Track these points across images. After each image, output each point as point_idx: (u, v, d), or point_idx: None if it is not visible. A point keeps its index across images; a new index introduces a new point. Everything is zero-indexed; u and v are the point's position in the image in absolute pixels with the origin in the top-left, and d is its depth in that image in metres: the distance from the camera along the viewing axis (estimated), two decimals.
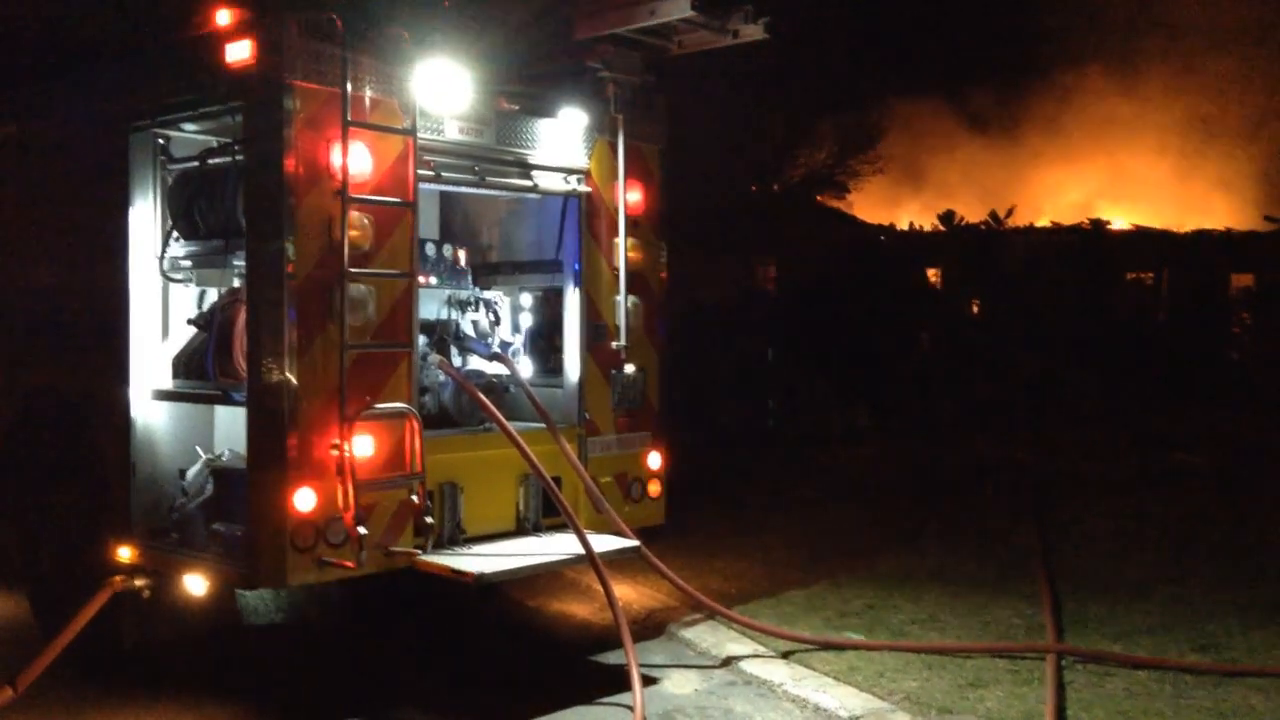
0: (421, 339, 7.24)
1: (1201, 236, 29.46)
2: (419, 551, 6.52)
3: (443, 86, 6.51)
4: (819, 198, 28.60)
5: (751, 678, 7.10)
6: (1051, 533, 10.88)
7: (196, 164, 6.84)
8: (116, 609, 6.85)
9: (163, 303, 7.03)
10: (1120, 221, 31.91)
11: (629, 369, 7.77)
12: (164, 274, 6.97)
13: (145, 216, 6.97)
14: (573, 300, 7.71)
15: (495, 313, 8.19)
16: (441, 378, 7.44)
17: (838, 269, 21.77)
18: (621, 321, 7.70)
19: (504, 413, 7.02)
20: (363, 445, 6.24)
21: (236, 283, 6.71)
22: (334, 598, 8.59)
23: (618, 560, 7.37)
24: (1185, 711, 6.44)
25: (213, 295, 6.99)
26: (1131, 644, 7.55)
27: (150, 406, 6.94)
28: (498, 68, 7.13)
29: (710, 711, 6.65)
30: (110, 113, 7.01)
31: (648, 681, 6.89)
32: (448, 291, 8.03)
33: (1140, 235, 29.74)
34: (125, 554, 6.83)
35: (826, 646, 7.50)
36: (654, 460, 7.95)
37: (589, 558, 6.75)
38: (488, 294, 8.24)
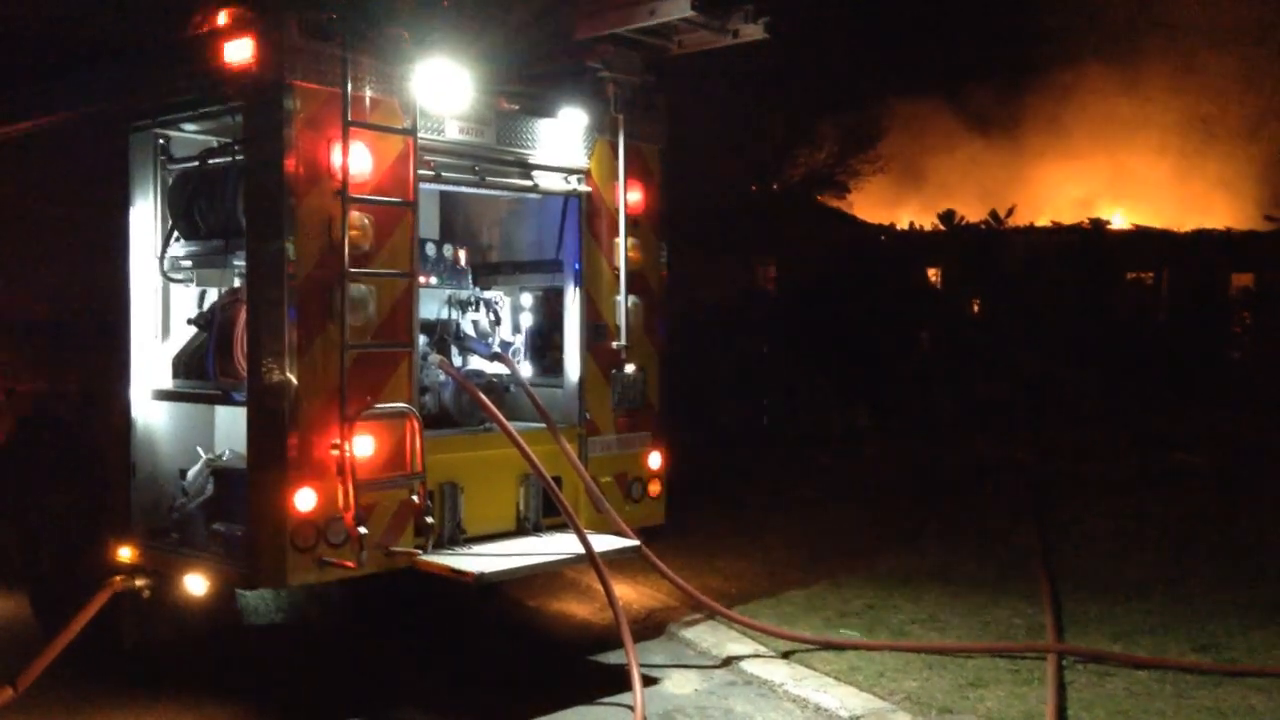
0: (422, 339, 7.24)
1: (1201, 236, 29.48)
2: (419, 551, 6.52)
3: (443, 86, 6.51)
4: (819, 197, 28.61)
5: (752, 678, 7.11)
6: (1051, 533, 10.87)
7: (197, 164, 6.84)
8: (116, 609, 6.86)
9: (163, 303, 7.04)
10: (1120, 221, 31.92)
11: (629, 369, 7.77)
12: (164, 274, 6.98)
13: (145, 216, 6.98)
14: (573, 300, 7.71)
15: (495, 312, 8.19)
16: (442, 377, 7.44)
17: (838, 269, 21.77)
18: (622, 321, 7.70)
19: (504, 412, 7.02)
20: (363, 445, 6.24)
21: (237, 283, 6.72)
22: (334, 598, 8.59)
23: (618, 560, 7.37)
24: (1186, 711, 6.44)
25: (213, 295, 6.99)
26: (1132, 644, 7.55)
27: (150, 406, 6.95)
28: (498, 68, 7.13)
29: (710, 711, 6.65)
30: (110, 113, 7.01)
31: (648, 681, 6.89)
32: (448, 291, 8.03)
33: (1140, 235, 29.76)
34: (125, 554, 6.83)
35: (827, 646, 7.50)
36: (654, 460, 7.95)
37: (589, 557, 6.75)
38: (488, 294, 8.24)
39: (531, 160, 7.37)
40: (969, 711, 6.45)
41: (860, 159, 27.93)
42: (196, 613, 6.99)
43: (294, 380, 6.04)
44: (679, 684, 7.08)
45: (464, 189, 7.55)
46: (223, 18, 6.42)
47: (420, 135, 6.57)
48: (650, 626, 8.11)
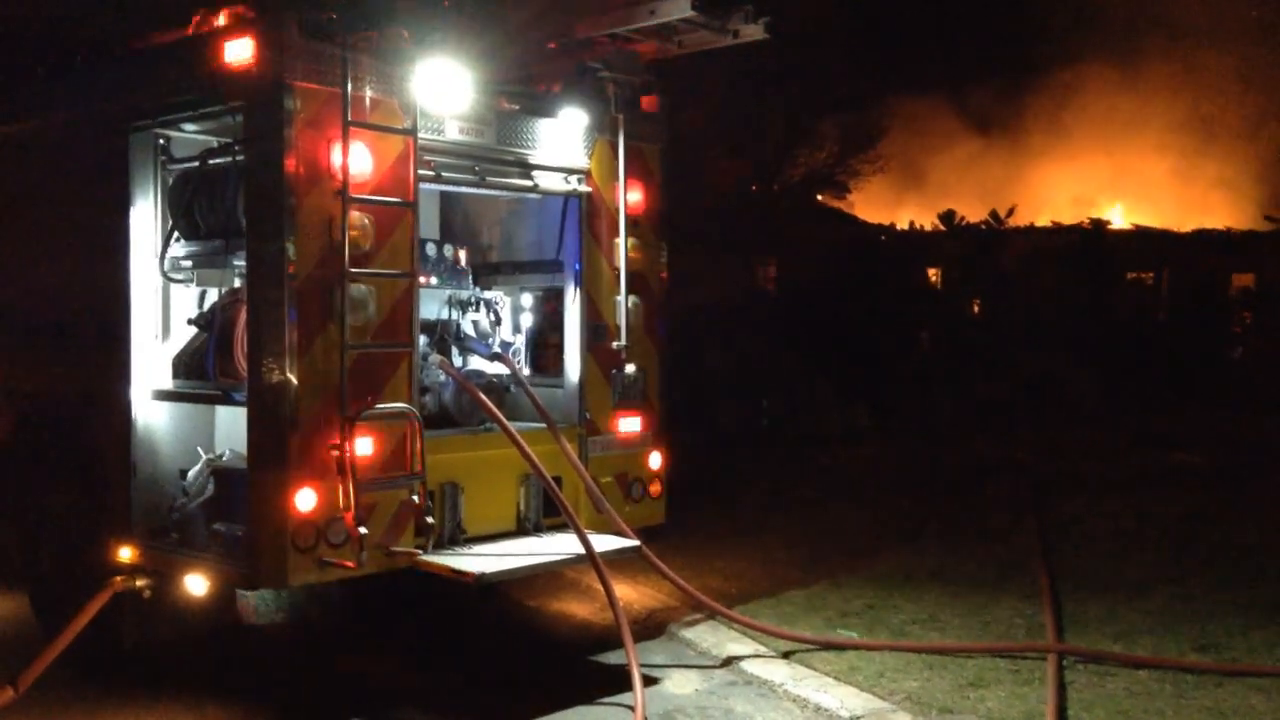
0: (422, 339, 7.24)
1: (1201, 236, 29.48)
2: (419, 551, 6.52)
3: (443, 86, 6.50)
4: (819, 197, 28.60)
5: (752, 678, 7.11)
6: (1051, 533, 10.87)
7: (197, 164, 6.84)
8: (117, 609, 6.85)
9: (163, 303, 7.04)
10: (1120, 221, 31.92)
11: (629, 369, 7.77)
12: (164, 274, 6.97)
13: (146, 216, 6.98)
14: (573, 300, 7.70)
15: (496, 313, 8.19)
16: (442, 378, 7.44)
17: (838, 269, 21.78)
18: (622, 321, 7.70)
19: (504, 412, 7.02)
20: (363, 445, 6.24)
21: (237, 283, 6.72)
22: (334, 598, 8.58)
23: (618, 560, 7.36)
24: (1186, 711, 6.44)
25: (213, 295, 6.99)
26: (1132, 644, 7.55)
27: (151, 406, 6.95)
28: (498, 67, 7.13)
29: (711, 711, 6.65)
30: (110, 113, 7.01)
31: (648, 681, 6.89)
32: (448, 291, 8.03)
33: (1140, 235, 29.76)
34: (126, 554, 6.83)
35: (827, 646, 7.50)
36: (654, 460, 7.95)
37: (589, 557, 6.75)
38: (488, 294, 8.24)
39: (531, 160, 7.36)
40: (969, 711, 6.45)
41: (860, 159, 27.91)
42: (197, 613, 6.98)
43: (294, 380, 6.04)
44: (679, 684, 7.08)
45: (464, 189, 7.55)
46: (223, 18, 6.42)
47: (420, 135, 6.56)
48: (651, 626, 8.11)
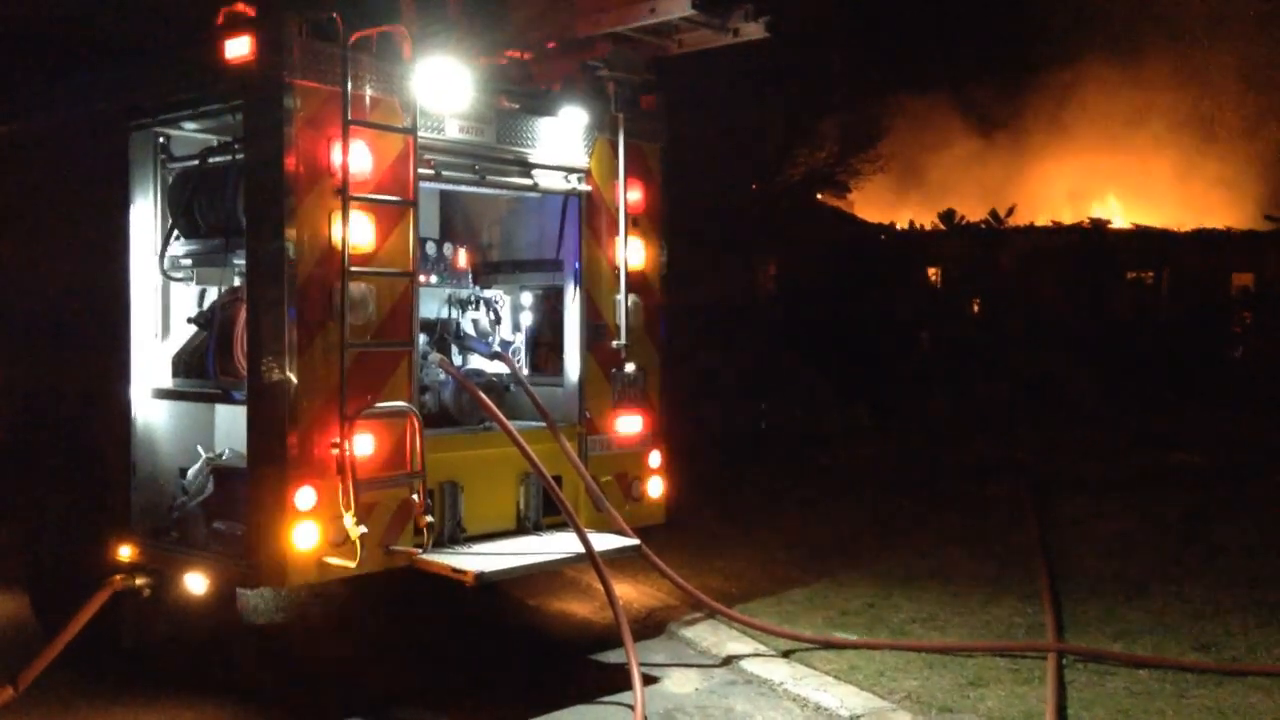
0: (422, 338, 7.24)
1: (1201, 236, 29.48)
2: (419, 550, 6.51)
3: (443, 85, 6.50)
4: (819, 196, 28.58)
5: (752, 677, 7.10)
6: (1051, 532, 10.87)
7: (197, 162, 6.85)
8: (117, 608, 6.85)
9: (163, 301, 7.04)
10: (1120, 221, 31.93)
11: (629, 368, 7.77)
12: (164, 272, 6.98)
13: (145, 215, 6.98)
14: (573, 299, 7.70)
15: (495, 311, 8.19)
16: (442, 376, 7.44)
17: (838, 269, 21.77)
18: (622, 320, 7.70)
19: (504, 411, 7.01)
20: (363, 444, 6.24)
21: (237, 281, 6.72)
22: (334, 597, 8.59)
23: (618, 559, 7.37)
24: (1186, 710, 6.44)
25: (213, 294, 6.99)
26: (1132, 643, 7.55)
27: (150, 405, 6.94)
28: (498, 66, 7.12)
29: (711, 710, 6.64)
30: (110, 111, 7.01)
31: (648, 680, 6.89)
32: (448, 290, 8.04)
33: (1140, 235, 29.76)
34: (126, 553, 6.83)
35: (827, 645, 7.50)
36: (654, 459, 7.95)
37: (589, 556, 6.75)
38: (488, 293, 8.24)
39: (531, 159, 7.36)
40: (969, 710, 6.45)
41: (860, 158, 27.90)
42: (196, 612, 6.98)
43: (294, 379, 6.04)
44: (679, 683, 7.07)
45: (464, 188, 7.55)
46: (223, 16, 6.42)
47: (420, 134, 6.56)
48: (651, 625, 8.11)
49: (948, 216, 26.75)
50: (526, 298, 8.29)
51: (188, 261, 6.96)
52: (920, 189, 37.38)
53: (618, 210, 7.68)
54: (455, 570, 6.41)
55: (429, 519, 6.51)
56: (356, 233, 6.23)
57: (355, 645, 7.91)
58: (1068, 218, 30.14)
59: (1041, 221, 30.10)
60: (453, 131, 6.91)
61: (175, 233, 6.92)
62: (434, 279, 7.78)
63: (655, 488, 7.93)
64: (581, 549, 6.77)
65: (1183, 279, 27.60)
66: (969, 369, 20.69)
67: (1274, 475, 13.92)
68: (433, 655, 7.72)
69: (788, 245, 23.96)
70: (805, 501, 12.73)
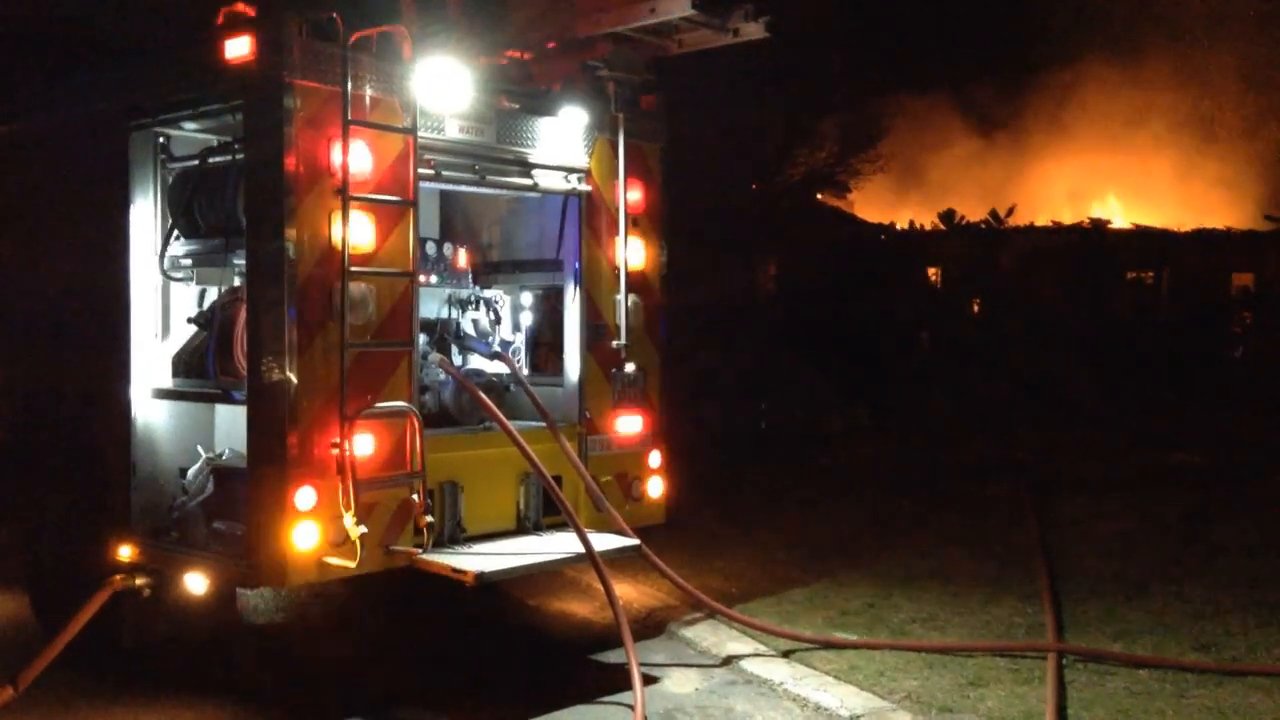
0: (422, 338, 7.24)
1: (1201, 236, 29.48)
2: (419, 550, 6.51)
3: (443, 85, 6.50)
4: (819, 196, 28.58)
5: (752, 677, 7.10)
6: (1051, 532, 10.87)
7: (197, 162, 6.85)
8: (117, 608, 6.85)
9: (163, 301, 7.04)
10: (1120, 221, 31.93)
11: (629, 368, 7.77)
12: (164, 272, 6.98)
13: (145, 215, 6.98)
14: (573, 299, 7.70)
15: (495, 311, 8.19)
16: (442, 376, 7.44)
17: (838, 268, 21.76)
18: (622, 320, 7.70)
19: (504, 411, 7.01)
20: (363, 444, 6.24)
21: (237, 281, 6.72)
22: (334, 597, 8.59)
23: (618, 559, 7.37)
24: (1186, 710, 6.44)
25: (213, 294, 6.99)
26: (1132, 643, 7.55)
27: (151, 405, 6.94)
28: (498, 66, 7.12)
29: (711, 710, 6.64)
30: (110, 111, 7.01)
31: (648, 680, 6.89)
32: (448, 290, 8.04)
33: (1140, 235, 29.76)
34: (126, 553, 6.83)
35: (827, 645, 7.50)
36: (654, 459, 7.95)
37: (589, 556, 6.75)
38: (488, 293, 8.24)
39: (531, 159, 7.36)
40: (969, 710, 6.45)
41: (860, 158, 27.90)
42: (196, 612, 6.98)
43: (294, 379, 6.04)
44: (679, 683, 7.07)
45: (464, 188, 7.55)
46: (223, 16, 6.42)
47: (420, 134, 6.56)
48: (651, 625, 8.11)
49: (948, 216, 26.74)
50: (526, 298, 8.29)
51: (188, 261, 6.96)
52: (920, 189, 37.38)
53: (618, 210, 7.68)
54: (455, 570, 6.41)
55: (429, 519, 6.51)
56: (356, 233, 6.23)
57: (355, 645, 7.91)
58: (1068, 218, 30.12)
59: (1041, 221, 30.09)
60: (453, 131, 6.91)
61: (175, 233, 6.93)
62: (434, 279, 7.78)
63: (655, 488, 7.93)
64: (581, 549, 6.76)
65: (1183, 279, 27.60)
66: (969, 369, 20.68)
67: (1274, 475, 13.92)
68: (433, 655, 7.72)
69: (788, 245, 23.96)
70: (805, 501, 12.73)
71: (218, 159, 6.74)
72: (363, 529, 6.15)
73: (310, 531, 6.06)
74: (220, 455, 6.86)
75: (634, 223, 7.77)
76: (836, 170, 27.21)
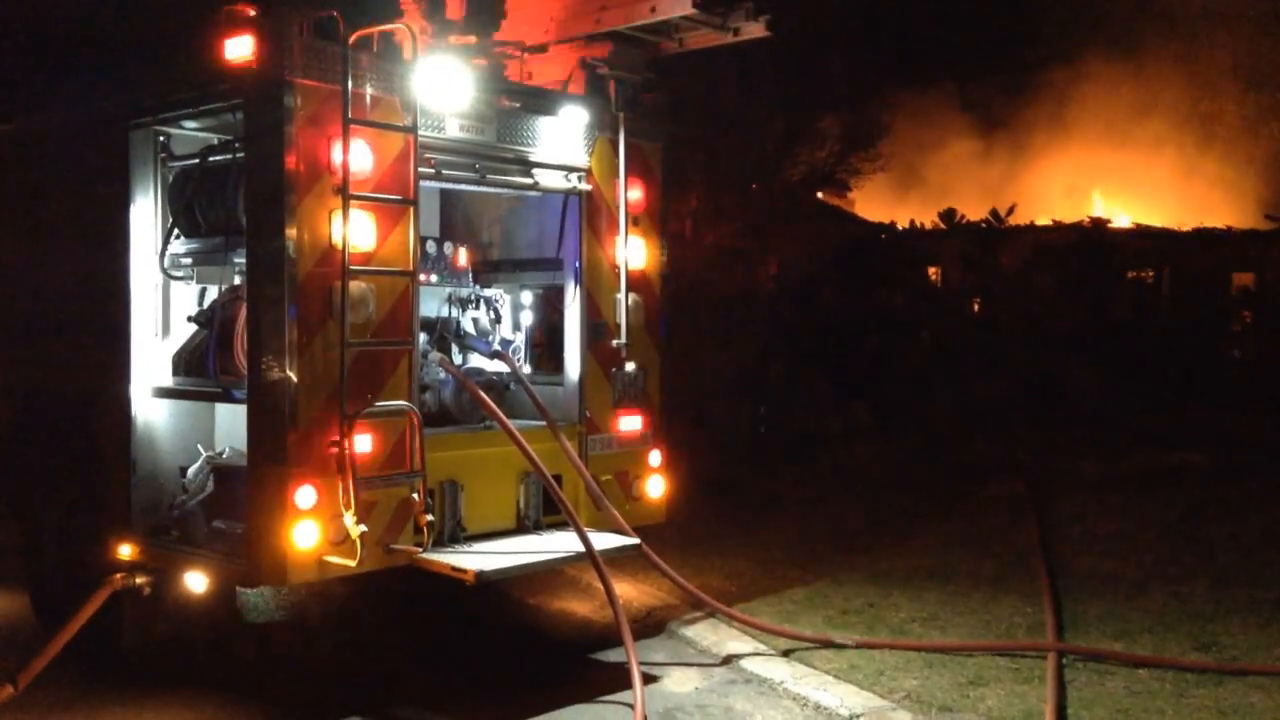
0: (422, 336, 7.24)
1: (1202, 235, 29.47)
2: (419, 549, 6.51)
3: (443, 84, 6.50)
4: (819, 196, 28.57)
5: (752, 676, 7.11)
6: (1051, 532, 10.87)
7: (197, 161, 6.85)
8: (117, 607, 6.86)
9: (163, 300, 7.05)
10: (1120, 220, 31.92)
11: (629, 367, 7.77)
12: (165, 271, 6.98)
13: (146, 214, 6.98)
14: (573, 298, 7.70)
15: (496, 310, 8.19)
16: (442, 375, 7.44)
17: (838, 268, 21.75)
18: (622, 319, 7.70)
19: (504, 410, 7.02)
20: (363, 443, 6.24)
21: (237, 280, 6.72)
22: (334, 596, 8.58)
23: (618, 558, 7.37)
24: (1186, 709, 6.44)
25: (213, 293, 6.99)
26: (1132, 642, 7.56)
27: (151, 404, 6.95)
28: (498, 65, 7.12)
29: (711, 709, 6.64)
30: (111, 110, 7.01)
31: (648, 679, 6.89)
32: (448, 289, 8.04)
33: (1140, 234, 29.73)
34: (126, 551, 6.83)
35: (827, 645, 7.50)
36: (654, 458, 7.95)
37: (589, 555, 6.75)
38: (488, 292, 8.24)
39: (532, 158, 7.36)
40: (969, 710, 6.45)
41: (861, 157, 27.89)
42: (196, 611, 6.98)
43: (294, 378, 6.04)
44: (679, 682, 7.08)
45: (464, 187, 7.55)
46: (223, 16, 6.41)
47: (421, 133, 6.56)
48: (650, 625, 8.11)
49: (948, 216, 26.71)
50: (527, 297, 8.29)
51: (188, 260, 6.96)
52: (920, 188, 37.35)
53: (618, 209, 7.68)
54: (455, 569, 6.41)
55: (429, 518, 6.51)
56: (357, 232, 6.23)
57: (355, 645, 7.91)
58: (1068, 217, 30.10)
59: (1042, 220, 30.07)
60: (453, 130, 6.91)
61: (176, 231, 6.93)
62: (434, 278, 7.78)
63: (655, 487, 7.93)
64: (581, 548, 6.77)
65: (1183, 279, 27.57)
66: (969, 368, 20.65)
67: (1274, 474, 13.91)
68: (433, 655, 7.73)
69: (788, 244, 23.95)
70: (805, 501, 12.73)
71: (218, 158, 6.74)
72: (363, 528, 6.15)
73: (310, 530, 6.06)
74: (220, 454, 6.86)
75: (634, 222, 7.77)
76: (837, 169, 27.21)
